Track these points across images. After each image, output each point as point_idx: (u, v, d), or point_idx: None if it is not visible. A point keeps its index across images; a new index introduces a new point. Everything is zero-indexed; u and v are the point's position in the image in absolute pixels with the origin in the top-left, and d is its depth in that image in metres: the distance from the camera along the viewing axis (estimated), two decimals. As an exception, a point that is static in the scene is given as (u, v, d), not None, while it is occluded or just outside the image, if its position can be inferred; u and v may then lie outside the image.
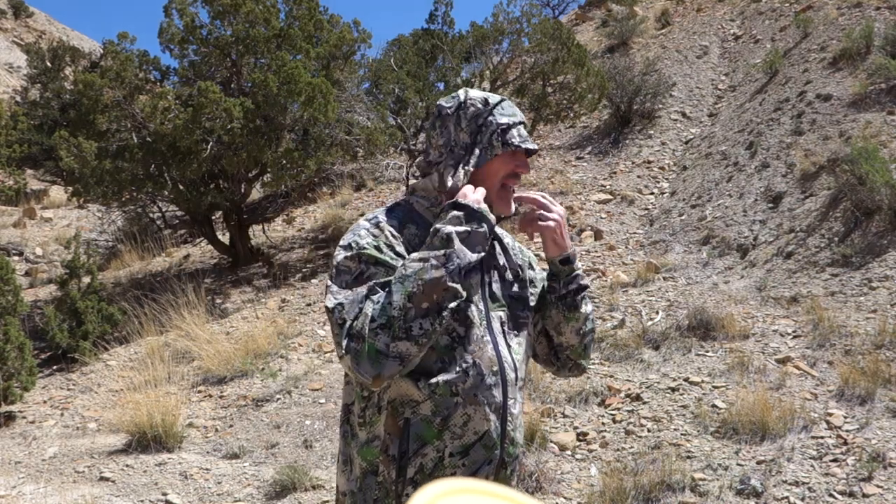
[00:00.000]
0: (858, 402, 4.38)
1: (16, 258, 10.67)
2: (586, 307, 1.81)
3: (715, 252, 7.65)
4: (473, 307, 1.67)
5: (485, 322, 1.68)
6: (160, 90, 8.66)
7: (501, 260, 1.81)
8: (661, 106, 11.54)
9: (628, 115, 11.38)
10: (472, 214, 1.61)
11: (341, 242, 1.68)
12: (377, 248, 1.63)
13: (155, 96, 8.30)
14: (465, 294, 1.59)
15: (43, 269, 10.20)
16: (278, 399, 5.57)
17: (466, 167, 1.71)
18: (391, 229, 1.67)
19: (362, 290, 1.57)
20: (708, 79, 12.29)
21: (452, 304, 1.56)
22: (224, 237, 9.97)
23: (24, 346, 5.86)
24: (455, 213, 1.61)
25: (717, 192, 8.77)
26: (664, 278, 7.17)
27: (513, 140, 1.72)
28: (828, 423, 4.23)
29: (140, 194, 8.70)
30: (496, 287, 1.75)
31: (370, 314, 1.53)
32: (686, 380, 5.00)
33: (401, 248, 1.64)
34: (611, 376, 5.21)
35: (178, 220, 10.35)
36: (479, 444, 1.63)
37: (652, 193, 9.77)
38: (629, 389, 4.96)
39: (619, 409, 4.79)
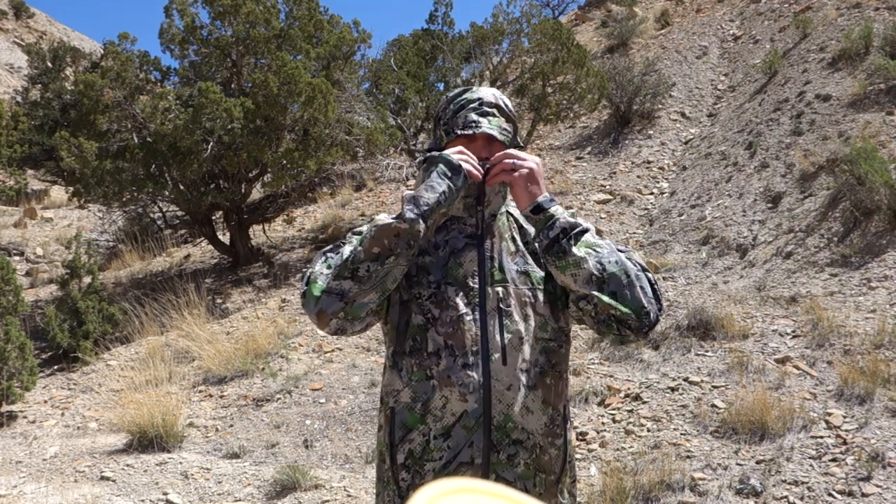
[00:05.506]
0: (858, 402, 4.39)
1: (16, 258, 10.68)
2: (580, 250, 1.60)
3: (714, 252, 7.66)
4: (453, 288, 1.65)
5: (476, 299, 1.64)
6: (161, 90, 8.67)
7: (515, 234, 1.75)
8: (660, 106, 11.55)
9: (628, 115, 11.39)
10: (432, 160, 1.62)
11: None
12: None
13: (155, 97, 8.32)
14: (417, 238, 1.58)
15: (44, 269, 10.21)
16: (278, 399, 5.58)
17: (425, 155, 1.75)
18: None
19: (329, 247, 1.68)
20: (707, 79, 12.30)
21: (404, 250, 1.57)
22: (224, 237, 9.98)
23: (25, 345, 5.87)
24: (424, 165, 1.66)
25: (716, 193, 8.78)
26: (664, 278, 7.18)
27: (455, 128, 1.71)
28: (827, 422, 4.24)
29: (141, 194, 8.71)
30: (504, 263, 1.69)
31: (328, 262, 1.62)
32: (685, 379, 5.01)
33: None
34: (610, 376, 5.23)
35: (178, 221, 10.36)
36: (458, 426, 1.61)
37: (651, 193, 9.78)
38: (629, 389, 4.97)
39: (618, 408, 4.81)
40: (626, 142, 11.14)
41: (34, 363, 6.00)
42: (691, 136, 10.96)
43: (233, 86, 8.93)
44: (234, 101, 7.81)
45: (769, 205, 7.93)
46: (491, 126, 1.69)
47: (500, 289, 1.65)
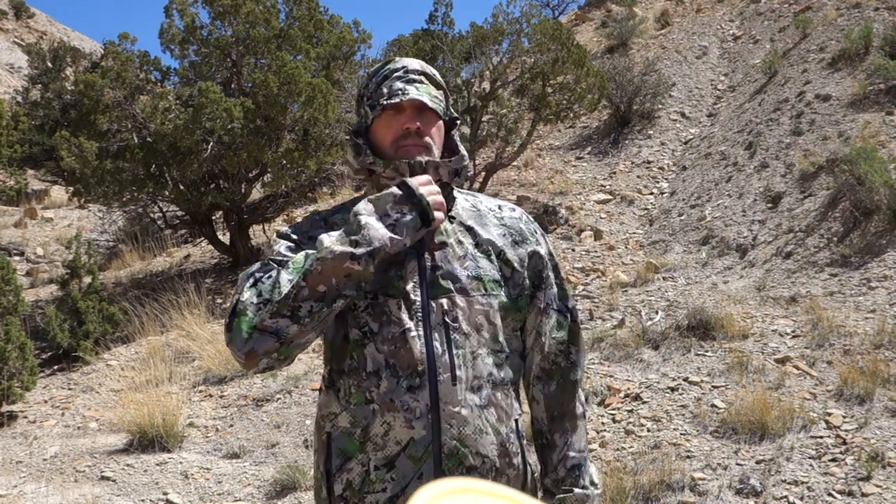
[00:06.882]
0: (857, 402, 4.39)
1: (17, 258, 10.68)
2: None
3: (714, 252, 7.66)
4: (394, 301, 1.48)
5: (419, 313, 1.47)
6: (161, 90, 8.67)
7: (462, 237, 1.57)
8: (660, 106, 11.55)
9: (628, 115, 11.39)
10: (408, 197, 1.43)
11: None
12: (295, 231, 1.56)
13: (155, 96, 8.32)
14: (368, 281, 1.42)
15: (44, 269, 10.21)
16: (278, 399, 5.59)
17: (355, 141, 1.59)
18: (323, 219, 1.59)
19: (256, 266, 1.47)
20: (707, 79, 12.30)
21: (352, 293, 1.41)
22: (224, 237, 9.99)
23: (25, 346, 5.87)
24: (395, 190, 1.45)
25: (716, 193, 8.79)
26: (664, 278, 7.18)
27: (381, 99, 1.53)
28: (827, 422, 4.24)
29: (141, 194, 8.71)
30: (453, 270, 1.51)
31: (259, 290, 1.41)
32: (685, 379, 5.02)
33: (316, 232, 1.51)
34: (610, 376, 5.22)
35: (178, 221, 10.35)
36: (404, 456, 1.44)
37: (651, 193, 9.79)
38: (629, 389, 4.97)
39: (618, 408, 4.81)
40: (626, 142, 11.15)
41: (34, 363, 6.00)
42: (691, 136, 10.96)
43: (233, 86, 8.93)
44: (234, 101, 7.81)
45: (769, 205, 7.93)
46: (420, 92, 1.52)
47: (444, 300, 1.49)
